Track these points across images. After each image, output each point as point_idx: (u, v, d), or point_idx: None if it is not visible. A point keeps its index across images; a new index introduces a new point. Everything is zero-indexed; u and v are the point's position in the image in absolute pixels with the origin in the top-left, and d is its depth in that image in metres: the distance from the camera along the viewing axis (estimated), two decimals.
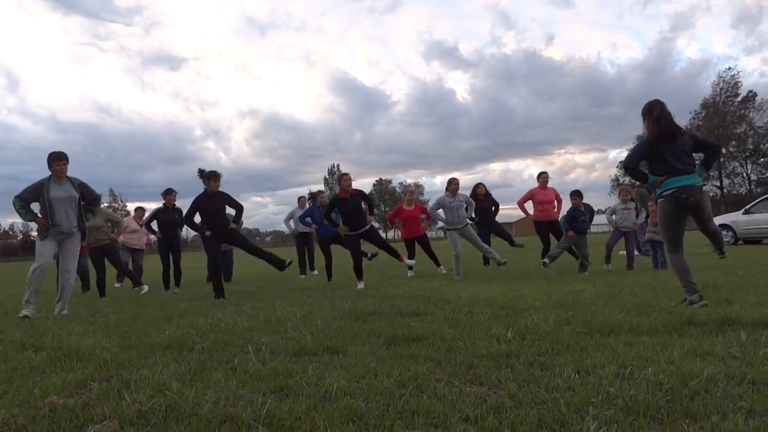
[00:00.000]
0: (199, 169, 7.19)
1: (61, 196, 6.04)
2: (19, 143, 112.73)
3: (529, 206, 9.67)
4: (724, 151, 54.40)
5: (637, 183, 13.01)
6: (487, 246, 9.06)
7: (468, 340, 3.32)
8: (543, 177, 9.64)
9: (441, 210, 8.74)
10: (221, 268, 7.50)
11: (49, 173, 6.10)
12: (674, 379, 2.31)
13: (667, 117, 4.49)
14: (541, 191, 9.47)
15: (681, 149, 4.45)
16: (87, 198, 6.36)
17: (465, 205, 8.79)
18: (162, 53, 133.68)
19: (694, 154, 4.61)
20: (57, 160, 6.04)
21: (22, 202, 6.01)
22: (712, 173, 53.45)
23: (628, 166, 4.58)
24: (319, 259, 10.93)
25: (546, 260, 8.39)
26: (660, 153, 4.44)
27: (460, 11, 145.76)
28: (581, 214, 8.44)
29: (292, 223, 11.42)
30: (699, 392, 2.17)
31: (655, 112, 4.49)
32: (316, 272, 11.13)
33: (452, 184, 8.70)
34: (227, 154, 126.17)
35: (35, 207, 6.14)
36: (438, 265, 10.03)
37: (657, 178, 4.47)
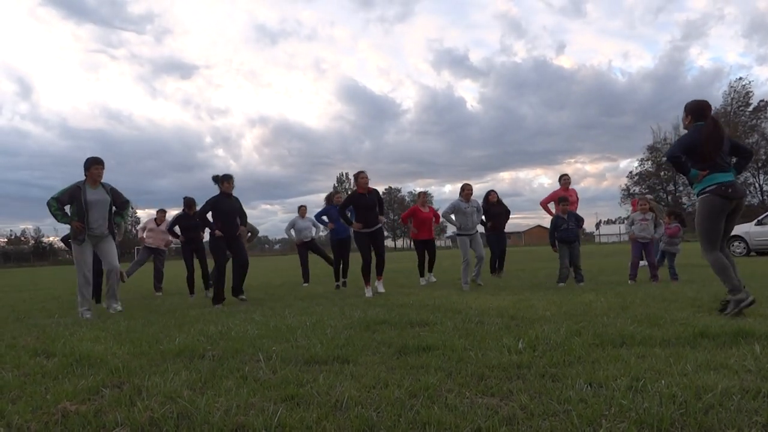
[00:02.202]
0: (213, 176, 7.57)
1: (97, 199, 6.28)
2: (31, 149, 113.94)
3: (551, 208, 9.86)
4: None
5: (648, 197, 12.96)
6: (482, 256, 8.99)
7: (479, 351, 3.31)
8: (565, 179, 9.85)
9: (453, 215, 8.75)
10: (225, 273, 7.54)
11: (83, 177, 6.30)
12: (688, 392, 2.29)
13: (719, 128, 4.60)
14: (564, 193, 9.55)
15: (723, 149, 4.58)
16: (117, 202, 6.58)
17: (477, 211, 8.82)
18: (173, 61, 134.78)
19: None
20: (95, 164, 6.30)
21: (59, 204, 6.19)
22: None
23: (674, 156, 4.60)
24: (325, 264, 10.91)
25: (562, 284, 8.24)
26: (705, 150, 4.53)
27: (471, 20, 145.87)
28: (564, 221, 8.36)
29: (293, 232, 11.40)
30: (713, 406, 2.15)
31: (709, 121, 4.61)
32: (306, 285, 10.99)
33: (466, 190, 8.77)
34: (237, 161, 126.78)
35: (68, 209, 6.33)
36: (430, 271, 10.22)
37: (699, 172, 4.54)
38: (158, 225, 10.37)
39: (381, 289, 7.95)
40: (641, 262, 8.61)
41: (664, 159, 5.00)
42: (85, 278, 6.24)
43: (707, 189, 4.52)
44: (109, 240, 6.43)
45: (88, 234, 6.21)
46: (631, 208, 9.66)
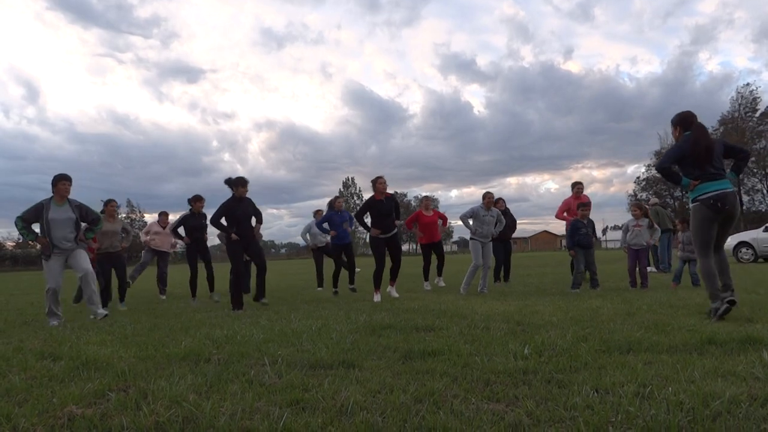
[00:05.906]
0: (227, 179, 7.52)
1: (60, 217, 6.29)
2: (39, 153, 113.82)
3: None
4: None
5: (654, 200, 12.92)
6: (489, 266, 8.97)
7: (484, 356, 3.30)
8: (578, 187, 9.77)
9: (471, 220, 8.70)
10: (242, 277, 7.55)
11: (51, 194, 6.33)
12: (695, 399, 2.27)
13: (704, 134, 4.65)
14: (576, 201, 9.51)
15: (713, 155, 4.61)
16: (87, 219, 6.61)
17: (495, 221, 8.79)
18: (179, 65, 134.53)
19: (724, 160, 4.78)
20: (62, 180, 6.33)
21: (24, 223, 6.25)
22: None
23: (662, 167, 4.72)
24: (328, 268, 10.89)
25: (576, 290, 8.22)
26: (694, 157, 4.58)
27: (478, 24, 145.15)
28: (583, 225, 8.36)
29: (308, 236, 11.35)
30: (721, 413, 2.13)
31: (695, 127, 4.67)
32: (320, 289, 10.95)
33: (486, 198, 8.69)
34: (243, 165, 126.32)
35: (35, 227, 6.37)
36: (439, 275, 10.29)
37: (690, 181, 4.60)
38: (163, 228, 10.43)
39: (395, 294, 7.97)
40: (648, 268, 8.57)
41: (655, 170, 5.05)
42: (53, 293, 6.24)
43: (699, 198, 4.61)
44: (78, 250, 6.43)
45: (54, 249, 6.23)
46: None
